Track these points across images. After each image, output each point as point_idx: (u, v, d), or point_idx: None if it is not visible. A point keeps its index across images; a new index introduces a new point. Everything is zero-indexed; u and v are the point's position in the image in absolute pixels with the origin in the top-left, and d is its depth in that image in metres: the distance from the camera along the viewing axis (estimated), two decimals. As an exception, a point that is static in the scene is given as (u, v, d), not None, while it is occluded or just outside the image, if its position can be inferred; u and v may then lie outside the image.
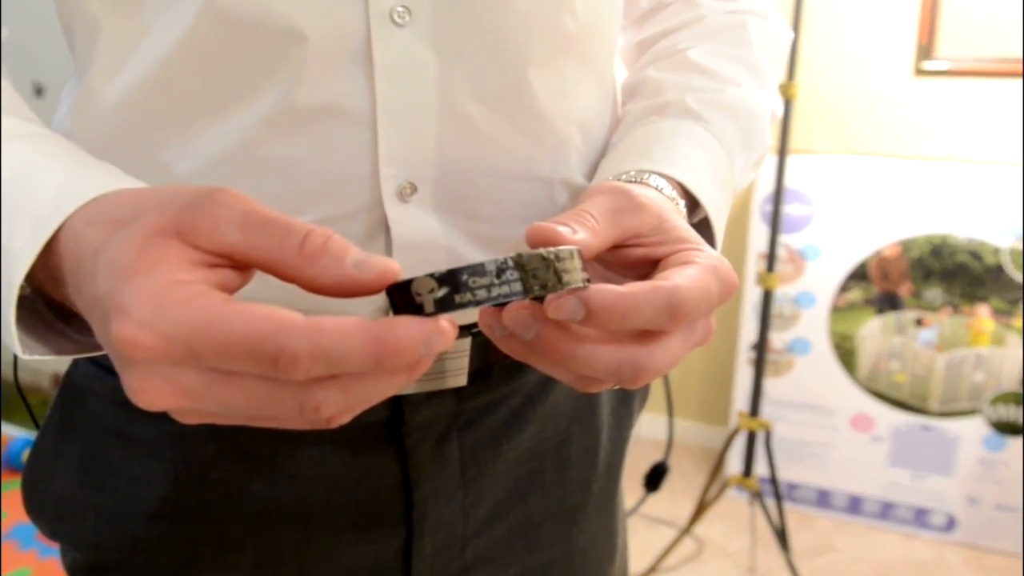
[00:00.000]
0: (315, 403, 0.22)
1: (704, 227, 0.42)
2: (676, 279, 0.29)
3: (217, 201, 0.24)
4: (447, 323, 0.23)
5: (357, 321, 0.22)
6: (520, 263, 0.24)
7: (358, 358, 0.21)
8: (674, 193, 0.39)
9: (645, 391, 0.57)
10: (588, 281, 0.27)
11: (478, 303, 0.23)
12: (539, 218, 0.33)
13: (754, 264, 2.00)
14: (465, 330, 0.43)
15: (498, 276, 0.23)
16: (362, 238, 0.38)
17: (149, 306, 0.22)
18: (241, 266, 0.24)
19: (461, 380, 0.44)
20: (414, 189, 0.38)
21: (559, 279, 0.25)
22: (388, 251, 0.39)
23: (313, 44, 0.35)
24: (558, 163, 0.42)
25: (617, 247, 0.33)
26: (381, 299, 0.37)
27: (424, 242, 0.39)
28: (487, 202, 0.40)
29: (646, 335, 0.29)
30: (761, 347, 1.76)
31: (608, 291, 0.27)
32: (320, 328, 0.21)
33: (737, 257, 2.07)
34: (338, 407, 0.23)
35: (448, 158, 0.38)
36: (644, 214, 0.33)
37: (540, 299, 0.27)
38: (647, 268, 0.32)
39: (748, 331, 2.03)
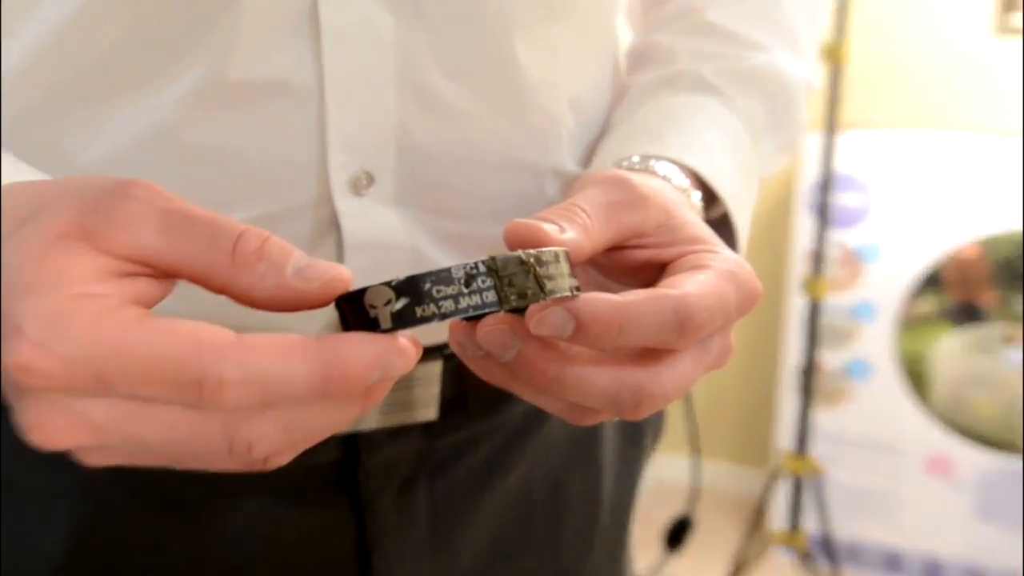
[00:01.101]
0: (248, 439, 0.23)
1: (724, 225, 0.43)
2: (685, 286, 0.30)
3: (131, 196, 0.24)
4: (408, 341, 0.24)
5: (299, 340, 0.22)
6: (494, 268, 0.24)
7: (299, 384, 0.22)
8: (686, 183, 0.39)
9: (660, 424, 0.57)
10: (578, 289, 0.28)
11: (444, 316, 0.24)
12: (523, 214, 0.33)
13: (799, 267, 2.00)
14: (435, 351, 0.44)
15: (467, 284, 0.24)
16: (308, 240, 0.39)
17: (48, 324, 0.22)
18: (161, 275, 0.25)
19: (431, 413, 0.45)
20: (371, 180, 0.39)
21: (541, 287, 0.25)
22: (339, 255, 0.40)
23: (247, 6, 0.35)
24: (547, 148, 0.43)
25: (615, 249, 0.34)
26: (330, 314, 0.37)
27: (383, 243, 0.40)
28: (460, 195, 0.41)
29: (649, 354, 0.30)
30: (809, 370, 1.77)
31: (602, 300, 0.28)
32: (254, 348, 0.22)
33: (776, 258, 2.09)
34: (276, 444, 0.23)
35: (412, 142, 0.39)
36: (647, 208, 0.33)
37: (520, 311, 0.28)
38: (651, 274, 0.33)
39: (792, 350, 2.03)
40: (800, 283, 1.98)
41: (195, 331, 0.22)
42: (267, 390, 0.22)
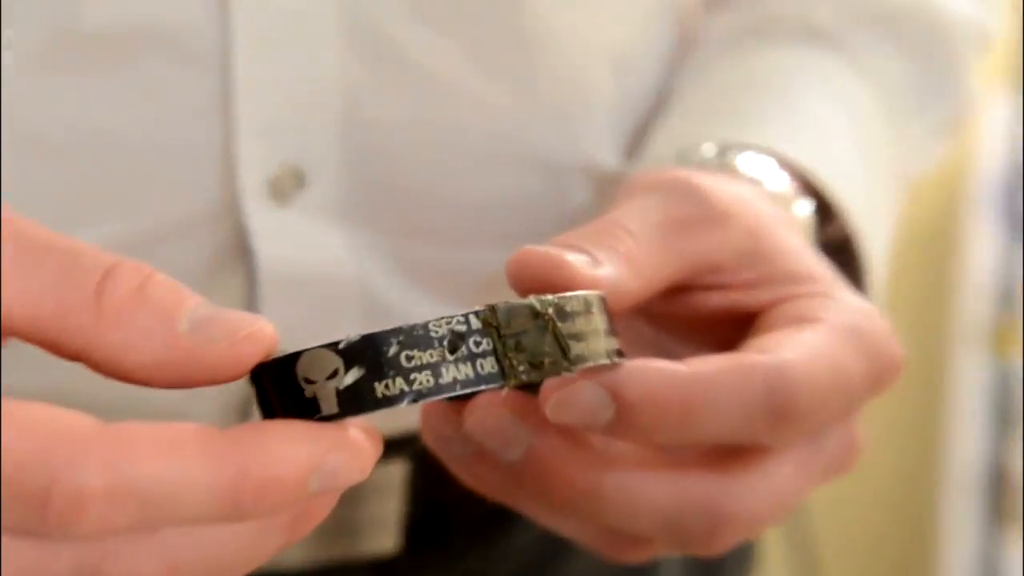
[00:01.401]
0: (115, 574, 0.20)
1: (846, 252, 0.38)
2: (783, 350, 0.27)
3: None
4: (362, 433, 0.22)
5: (195, 430, 0.20)
6: (493, 323, 0.23)
7: (196, 498, 0.20)
8: (788, 187, 0.35)
9: (748, 562, 0.52)
10: (620, 354, 0.25)
11: (419, 397, 0.22)
12: (535, 237, 0.31)
13: (975, 309, 1.48)
14: (397, 446, 0.40)
15: (453, 347, 0.22)
16: (201, 273, 0.36)
17: None
18: None
19: (387, 541, 0.42)
20: (300, 180, 0.36)
21: (564, 352, 0.23)
22: (249, 297, 0.36)
23: None
24: (572, 131, 0.39)
25: (677, 291, 0.30)
26: (237, 390, 0.36)
27: (318, 279, 0.37)
28: (437, 206, 0.38)
29: (730, 455, 0.28)
30: (995, 475, 1.50)
31: (656, 371, 0.25)
32: (127, 445, 0.19)
33: (937, 298, 1.56)
34: None
35: (364, 123, 0.36)
36: (726, 229, 0.30)
37: (533, 388, 0.26)
38: (731, 329, 0.30)
39: (964, 443, 1.52)
40: (978, 334, 1.50)
41: (40, 418, 0.20)
42: (147, 507, 0.19)
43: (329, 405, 0.22)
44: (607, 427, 0.26)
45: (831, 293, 0.30)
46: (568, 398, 0.26)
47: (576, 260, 0.27)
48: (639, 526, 0.27)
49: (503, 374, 0.23)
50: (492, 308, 0.23)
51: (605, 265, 0.28)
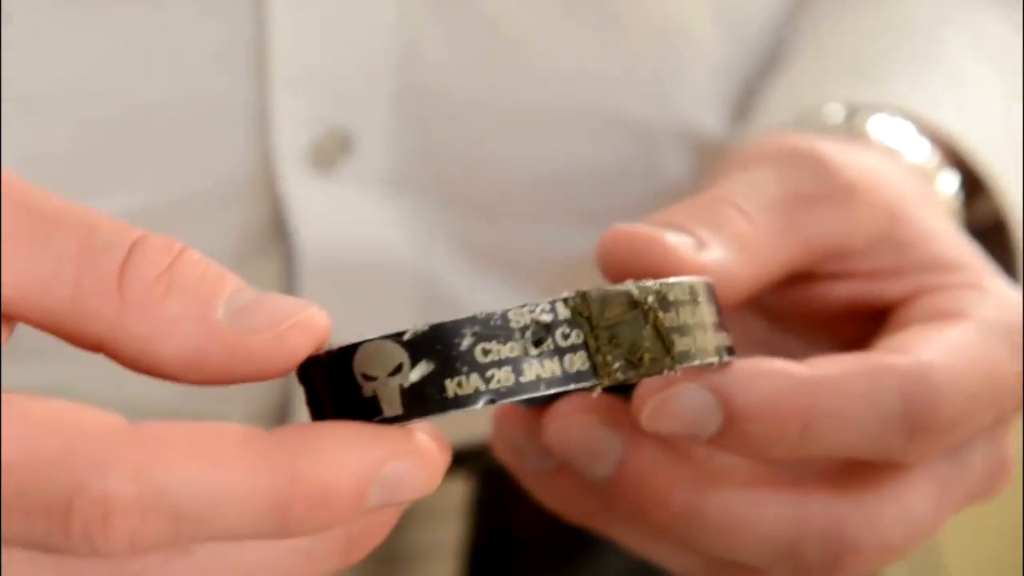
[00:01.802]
0: None
1: (1000, 237, 0.36)
2: (924, 351, 0.26)
3: None
4: (430, 439, 0.21)
5: (238, 432, 0.20)
6: (584, 312, 0.22)
7: (240, 509, 0.19)
8: (932, 157, 0.34)
9: None
10: (730, 352, 0.25)
11: (498, 397, 0.21)
12: (625, 214, 0.30)
13: None
14: (458, 460, 0.40)
15: (537, 340, 0.22)
16: (233, 254, 0.36)
17: None
18: None
19: (442, 572, 0.42)
20: (346, 145, 0.36)
21: (667, 348, 0.23)
22: (288, 280, 0.36)
23: None
24: (667, 89, 0.38)
25: (796, 280, 0.29)
26: (276, 390, 0.36)
27: (367, 260, 0.37)
28: (510, 177, 0.38)
29: (856, 473, 0.27)
30: None
31: (773, 374, 0.25)
32: (163, 446, 0.19)
33: None
34: None
35: (423, 78, 0.36)
36: (857, 209, 0.29)
37: (624, 390, 0.26)
38: (859, 326, 0.29)
39: None
40: None
41: (59, 416, 0.19)
42: (183, 520, 0.19)
43: (392, 405, 0.21)
44: (713, 439, 0.25)
45: (982, 284, 0.29)
46: (668, 404, 0.25)
47: (678, 242, 0.26)
48: (748, 555, 0.27)
49: (595, 372, 0.22)
50: (583, 295, 0.22)
51: (713, 248, 0.27)
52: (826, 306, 0.30)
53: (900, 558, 0.27)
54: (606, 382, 0.22)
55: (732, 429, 0.25)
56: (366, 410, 0.22)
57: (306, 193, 0.36)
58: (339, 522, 0.20)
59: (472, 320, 0.22)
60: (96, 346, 0.21)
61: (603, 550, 0.44)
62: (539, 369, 0.22)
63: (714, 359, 0.24)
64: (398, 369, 0.22)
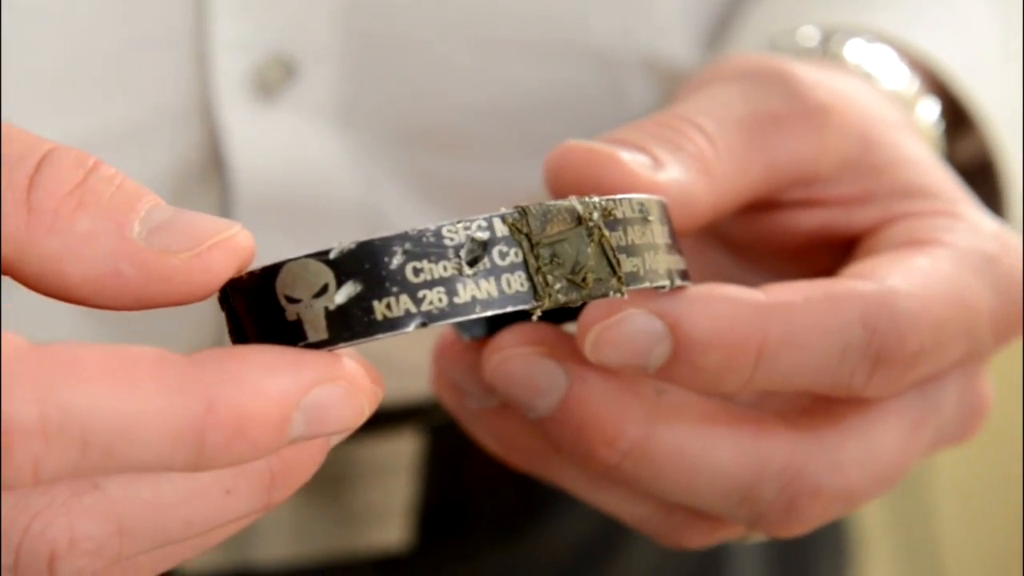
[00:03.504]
0: (50, 541, 0.20)
1: (984, 174, 0.36)
2: (889, 276, 0.25)
3: None
4: (359, 367, 0.21)
5: (152, 353, 0.19)
6: (523, 229, 0.22)
7: (153, 436, 0.19)
8: (911, 84, 0.33)
9: (839, 550, 0.51)
10: (684, 276, 0.24)
11: (429, 319, 0.21)
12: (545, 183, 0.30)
13: None
14: (405, 415, 0.40)
15: (473, 258, 0.21)
16: (166, 186, 0.35)
17: None
18: None
19: (393, 533, 0.41)
20: (289, 72, 0.35)
21: (612, 266, 0.23)
22: (224, 213, 0.35)
23: None
24: (632, 15, 0.38)
25: (761, 207, 0.29)
26: (205, 317, 0.36)
27: (309, 194, 0.36)
28: (464, 107, 0.37)
29: (818, 411, 0.26)
30: None
31: (726, 299, 0.24)
32: (69, 366, 0.18)
33: None
34: (100, 558, 0.20)
35: (371, 1, 0.35)
36: (826, 131, 0.28)
37: (567, 315, 0.26)
38: (827, 256, 0.29)
39: None
40: None
41: None
42: (91, 447, 0.19)
43: (317, 329, 0.21)
44: (661, 370, 0.24)
45: (956, 212, 0.28)
46: (613, 331, 0.24)
47: (633, 160, 0.25)
48: (701, 498, 0.26)
49: (536, 293, 0.22)
50: (523, 210, 0.22)
51: (670, 168, 0.26)
52: (792, 236, 0.29)
53: (862, 503, 0.27)
54: (547, 303, 0.22)
55: (681, 358, 0.24)
56: (290, 335, 0.21)
57: (246, 122, 0.35)
58: (259, 453, 0.20)
59: (403, 237, 0.21)
60: (1, 268, 0.20)
61: (559, 507, 0.44)
62: (474, 290, 0.21)
63: (665, 282, 0.23)
64: (323, 290, 0.21)
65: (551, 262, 0.22)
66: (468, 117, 0.38)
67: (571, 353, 0.25)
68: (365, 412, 0.21)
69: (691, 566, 0.47)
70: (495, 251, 0.22)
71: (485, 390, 0.27)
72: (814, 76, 0.29)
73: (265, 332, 0.22)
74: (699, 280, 0.26)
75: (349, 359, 0.21)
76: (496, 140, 0.38)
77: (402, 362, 0.37)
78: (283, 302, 0.21)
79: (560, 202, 0.22)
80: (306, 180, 0.37)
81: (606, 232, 0.23)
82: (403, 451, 0.41)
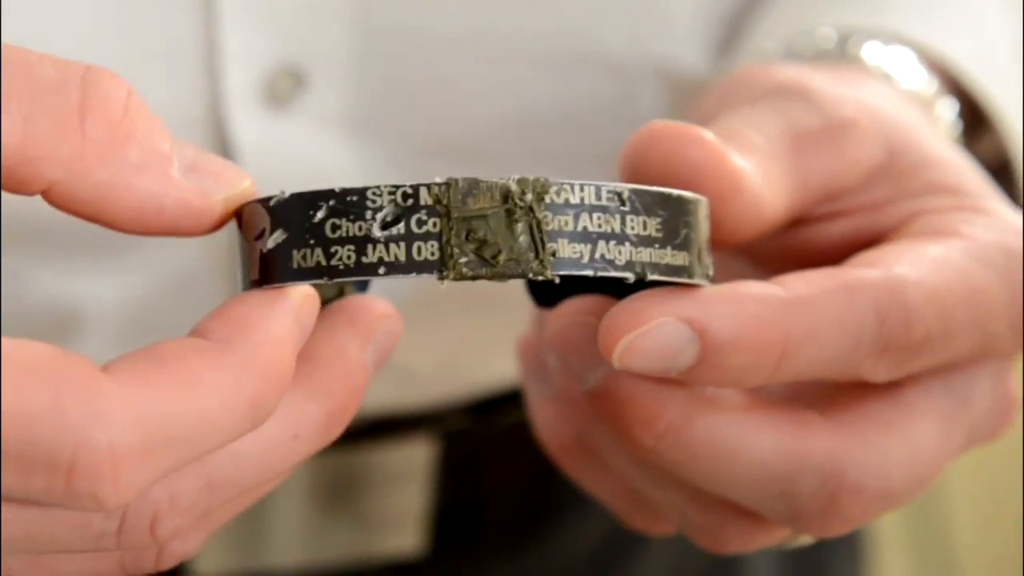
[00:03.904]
0: (152, 499, 0.21)
1: (1005, 174, 0.35)
2: (899, 265, 0.25)
3: None
4: (304, 298, 0.22)
5: (193, 347, 0.21)
6: (444, 200, 0.22)
7: (231, 418, 0.20)
8: (932, 84, 0.32)
9: (855, 552, 0.50)
10: (668, 270, 0.24)
11: (333, 275, 0.22)
12: (592, 157, 0.30)
13: None
14: (420, 422, 0.40)
15: (388, 223, 0.22)
16: None
17: None
18: None
19: (407, 539, 0.41)
20: (299, 80, 0.35)
21: (536, 248, 0.22)
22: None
23: None
24: (646, 25, 0.37)
25: (790, 224, 0.28)
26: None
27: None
28: (475, 117, 0.37)
29: (850, 400, 0.26)
30: None
31: (752, 301, 0.24)
32: (144, 385, 0.19)
33: None
34: (191, 512, 0.22)
35: (386, 8, 0.35)
36: (853, 145, 0.28)
37: (632, 289, 0.24)
38: (846, 255, 0.28)
39: None
40: None
41: (41, 362, 0.19)
42: (183, 450, 0.20)
43: (255, 270, 0.22)
44: (685, 372, 0.24)
45: (983, 207, 0.27)
46: (643, 342, 0.23)
47: (718, 142, 0.25)
48: (737, 489, 0.26)
49: (443, 263, 0.22)
50: (449, 182, 0.22)
51: (748, 160, 0.25)
52: (818, 248, 0.29)
53: (901, 504, 0.26)
54: (451, 276, 0.22)
55: (707, 361, 0.24)
56: (244, 272, 0.23)
57: (256, 132, 0.35)
58: (282, 392, 0.21)
59: (330, 193, 0.22)
60: (43, 191, 0.21)
61: (572, 513, 0.43)
62: (383, 252, 0.22)
63: (626, 275, 0.23)
64: (261, 234, 0.22)
65: (465, 236, 0.22)
66: (479, 128, 0.38)
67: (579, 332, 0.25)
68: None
69: (705, 572, 0.47)
70: (414, 218, 0.22)
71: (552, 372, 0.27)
72: (836, 89, 0.29)
73: (243, 265, 0.23)
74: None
75: (294, 294, 0.22)
76: (507, 150, 0.38)
77: (418, 369, 0.37)
78: (242, 240, 0.23)
79: (494, 179, 0.22)
80: (316, 185, 0.36)
81: (539, 213, 0.22)
82: (417, 457, 0.41)
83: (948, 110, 0.33)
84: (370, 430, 0.40)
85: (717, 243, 0.25)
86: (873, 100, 0.29)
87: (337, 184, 0.24)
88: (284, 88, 0.35)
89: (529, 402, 0.29)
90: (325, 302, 0.25)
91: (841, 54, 0.33)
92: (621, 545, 0.44)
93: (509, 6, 0.36)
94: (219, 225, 0.22)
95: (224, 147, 0.35)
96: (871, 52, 0.33)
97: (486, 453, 0.37)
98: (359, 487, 0.41)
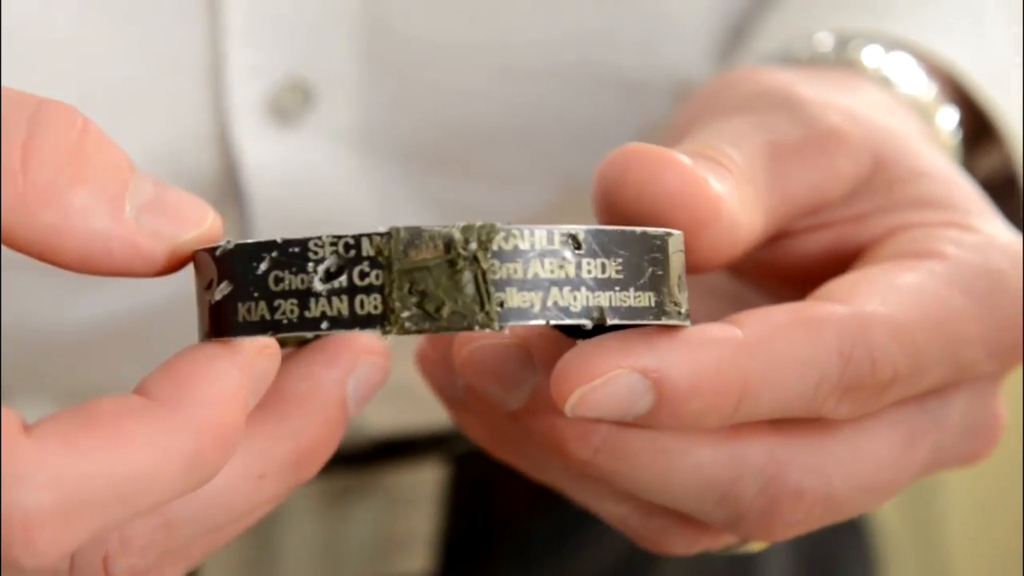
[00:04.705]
0: (102, 539, 0.21)
1: (1008, 189, 0.34)
2: (868, 301, 0.24)
3: None
4: (259, 349, 0.22)
5: (125, 405, 0.20)
6: (385, 251, 0.21)
7: (166, 478, 0.20)
8: (931, 90, 0.32)
9: (867, 568, 0.49)
10: (633, 313, 0.23)
11: (277, 330, 0.21)
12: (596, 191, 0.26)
13: None
14: (431, 444, 0.40)
15: (331, 275, 0.21)
16: None
17: None
18: None
19: (417, 562, 0.42)
20: (306, 97, 0.35)
21: (482, 299, 0.22)
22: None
23: None
24: (658, 40, 0.37)
25: (771, 237, 0.28)
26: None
27: (327, 223, 0.35)
28: (484, 134, 0.37)
29: (798, 422, 0.25)
30: None
31: (709, 346, 0.23)
32: (64, 444, 0.19)
33: None
34: (147, 551, 0.22)
35: (394, 24, 0.35)
36: (839, 157, 0.27)
37: (578, 331, 0.24)
38: (833, 272, 0.27)
39: None
40: None
41: None
42: (109, 510, 0.19)
43: (203, 321, 0.22)
44: (640, 419, 0.23)
45: (970, 224, 0.26)
46: (596, 394, 0.22)
47: (696, 167, 0.24)
48: (678, 497, 0.25)
49: (386, 319, 0.21)
50: (391, 232, 0.21)
51: (725, 183, 0.24)
52: (798, 261, 0.28)
53: (848, 512, 0.25)
54: (393, 331, 0.21)
55: (663, 408, 0.23)
56: (200, 321, 0.22)
57: (263, 149, 0.35)
58: (233, 449, 0.21)
59: (272, 245, 0.21)
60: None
61: (583, 535, 0.43)
62: (325, 306, 0.21)
63: (583, 321, 0.22)
64: (210, 284, 0.22)
65: (408, 289, 0.21)
66: (488, 142, 0.37)
67: (543, 344, 0.25)
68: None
69: None
70: (356, 270, 0.21)
71: (451, 371, 0.26)
72: (823, 96, 0.28)
73: (199, 314, 0.23)
74: (704, 302, 0.25)
75: (248, 348, 0.22)
76: (519, 168, 0.38)
77: (426, 392, 0.37)
78: (199, 287, 0.22)
79: (437, 227, 0.22)
80: (324, 206, 0.36)
81: (484, 263, 0.22)
82: (427, 480, 0.41)
83: (948, 117, 0.32)
84: (379, 452, 0.40)
85: (692, 269, 0.24)
86: (863, 107, 0.29)
87: (320, 232, 0.23)
88: (291, 104, 0.35)
89: (447, 411, 0.28)
90: (305, 341, 0.25)
91: (838, 58, 0.33)
92: (631, 568, 0.44)
93: (519, 19, 0.36)
94: (176, 267, 0.22)
95: (231, 165, 0.35)
96: (870, 56, 0.32)
97: (496, 476, 0.36)
98: (369, 509, 0.41)
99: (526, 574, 0.43)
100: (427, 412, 0.40)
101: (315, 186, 0.36)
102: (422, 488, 0.41)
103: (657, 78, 0.37)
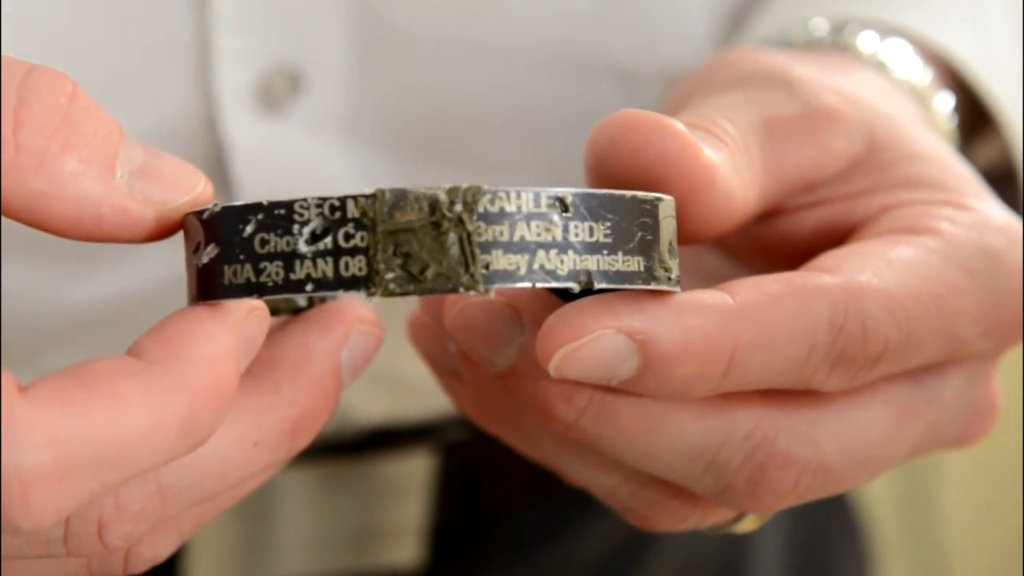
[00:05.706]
0: (96, 506, 0.21)
1: (1007, 178, 0.34)
2: (861, 271, 0.24)
3: None
4: (248, 311, 0.22)
5: (121, 366, 0.20)
6: (370, 213, 0.21)
7: (160, 440, 0.20)
8: (927, 75, 0.31)
9: (859, 557, 0.49)
10: (618, 277, 0.22)
11: (263, 292, 0.21)
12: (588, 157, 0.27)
13: None
14: (418, 434, 0.40)
15: (316, 237, 0.21)
16: None
17: None
18: None
19: (407, 552, 0.41)
20: (295, 84, 0.35)
21: (467, 262, 0.21)
22: None
23: None
24: (654, 28, 0.37)
25: (764, 214, 0.28)
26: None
27: None
28: (477, 123, 0.37)
29: (788, 393, 0.24)
30: None
31: (698, 311, 0.22)
32: (61, 404, 0.19)
33: None
34: (141, 518, 0.22)
35: (385, 9, 0.34)
36: (833, 136, 0.27)
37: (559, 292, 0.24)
38: (827, 249, 0.27)
39: None
40: None
41: None
42: (106, 471, 0.19)
43: (192, 285, 0.22)
44: (625, 383, 0.22)
45: (966, 204, 0.26)
46: (580, 354, 0.22)
47: (690, 134, 0.23)
48: (663, 463, 0.24)
49: (371, 280, 0.21)
50: (375, 194, 0.21)
51: (719, 152, 0.24)
52: (791, 238, 0.28)
53: (838, 486, 0.25)
54: (378, 293, 0.21)
55: (650, 372, 0.23)
56: (188, 284, 0.22)
57: (251, 137, 0.35)
58: (226, 410, 0.21)
59: (258, 207, 0.21)
60: None
61: (574, 526, 0.43)
62: (310, 268, 0.21)
63: (570, 284, 0.22)
64: (197, 248, 0.22)
65: (393, 251, 0.21)
66: (482, 133, 0.37)
67: (533, 305, 0.24)
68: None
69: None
70: (341, 232, 0.21)
71: (443, 331, 0.26)
72: (819, 77, 0.28)
73: (187, 277, 0.23)
74: (694, 283, 0.24)
75: (243, 306, 0.21)
76: (511, 157, 0.38)
77: (415, 381, 0.36)
78: (188, 251, 0.22)
79: (422, 189, 0.22)
80: (312, 192, 0.36)
81: (469, 225, 0.22)
82: (417, 470, 0.40)
83: (944, 103, 0.32)
84: (370, 442, 0.40)
85: (685, 239, 0.24)
86: (858, 89, 0.29)
87: (315, 191, 0.23)
88: (279, 91, 0.35)
89: (437, 380, 0.27)
90: (298, 310, 0.25)
91: (833, 43, 0.32)
92: (624, 557, 0.44)
93: (510, 6, 0.36)
94: (167, 232, 0.22)
95: (219, 151, 0.35)
96: (866, 42, 0.32)
97: (486, 465, 0.36)
98: (359, 499, 0.41)
99: (517, 564, 0.43)
100: (417, 401, 0.41)
101: (303, 173, 0.36)
102: (412, 478, 0.41)
103: (651, 68, 0.37)
